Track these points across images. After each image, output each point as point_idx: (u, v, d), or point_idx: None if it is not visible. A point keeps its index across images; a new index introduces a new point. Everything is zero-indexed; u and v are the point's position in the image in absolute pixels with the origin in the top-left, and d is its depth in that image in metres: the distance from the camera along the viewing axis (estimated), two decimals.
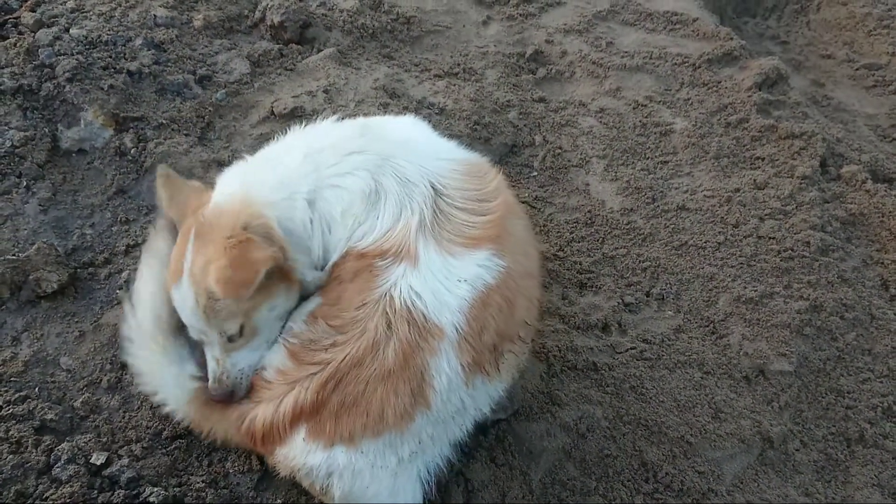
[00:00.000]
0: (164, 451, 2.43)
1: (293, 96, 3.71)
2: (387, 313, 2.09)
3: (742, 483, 2.72)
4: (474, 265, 2.14)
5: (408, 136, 2.43)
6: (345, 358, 2.10)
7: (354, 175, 2.25)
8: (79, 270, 2.90)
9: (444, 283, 2.11)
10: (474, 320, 2.11)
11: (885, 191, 3.64)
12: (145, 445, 2.42)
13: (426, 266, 2.13)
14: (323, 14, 4.28)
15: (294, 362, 2.20)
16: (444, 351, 2.08)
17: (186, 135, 3.44)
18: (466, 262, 2.14)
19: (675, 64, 4.40)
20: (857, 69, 4.89)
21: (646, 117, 4.05)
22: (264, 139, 3.49)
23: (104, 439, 2.43)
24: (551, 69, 4.33)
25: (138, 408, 2.53)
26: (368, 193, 2.22)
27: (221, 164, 3.37)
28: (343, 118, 2.51)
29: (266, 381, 2.24)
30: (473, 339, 2.11)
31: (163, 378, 2.31)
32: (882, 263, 3.41)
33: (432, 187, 2.25)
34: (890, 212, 3.53)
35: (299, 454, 2.15)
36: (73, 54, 3.48)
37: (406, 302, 2.08)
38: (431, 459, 2.27)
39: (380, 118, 2.68)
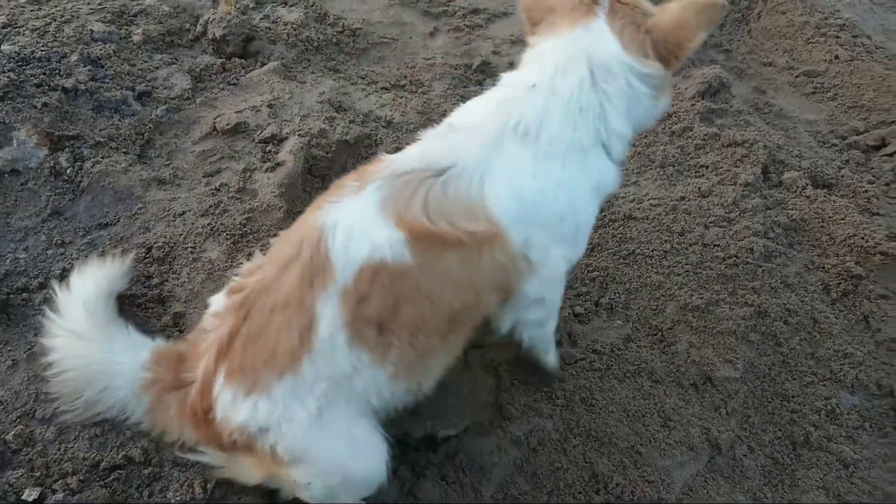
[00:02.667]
0: (102, 483, 2.35)
1: (236, 111, 3.65)
2: (306, 236, 2.04)
3: (692, 490, 2.73)
4: (386, 237, 2.01)
5: None
6: (259, 281, 2.05)
7: None
8: (11, 297, 2.79)
9: (359, 232, 2.02)
10: (359, 284, 1.99)
11: (825, 196, 3.72)
12: (82, 478, 2.34)
13: (362, 206, 2.06)
14: (267, 27, 4.23)
15: (227, 296, 2.15)
16: (331, 296, 1.98)
17: (125, 153, 3.36)
18: (383, 231, 2.03)
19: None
20: (796, 76, 5.00)
21: None
22: (207, 156, 3.44)
23: (38, 473, 2.33)
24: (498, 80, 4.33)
25: (75, 438, 2.45)
26: None
27: (162, 183, 3.31)
28: None
29: (204, 333, 2.16)
30: (354, 302, 1.99)
31: (110, 365, 2.21)
32: (823, 268, 3.47)
33: None
34: (829, 217, 3.61)
35: (227, 408, 2.02)
36: (4, 71, 3.38)
37: (324, 230, 2.02)
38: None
39: None
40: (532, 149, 2.17)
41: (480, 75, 4.38)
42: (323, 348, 1.99)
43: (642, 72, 2.24)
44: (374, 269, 1.99)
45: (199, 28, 4.07)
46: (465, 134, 2.21)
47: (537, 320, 2.61)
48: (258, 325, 2.01)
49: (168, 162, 3.42)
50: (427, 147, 2.24)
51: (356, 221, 2.03)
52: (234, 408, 2.02)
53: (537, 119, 2.18)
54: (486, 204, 2.10)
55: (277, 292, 2.01)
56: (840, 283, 3.38)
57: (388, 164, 2.17)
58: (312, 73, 4.09)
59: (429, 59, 4.40)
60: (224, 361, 2.05)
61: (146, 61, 3.84)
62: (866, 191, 3.82)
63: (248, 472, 2.22)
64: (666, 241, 3.50)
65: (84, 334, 2.24)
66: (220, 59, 3.97)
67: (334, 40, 4.32)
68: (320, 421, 2.04)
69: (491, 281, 2.23)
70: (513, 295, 2.37)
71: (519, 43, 4.61)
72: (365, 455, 2.17)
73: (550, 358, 2.88)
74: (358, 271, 1.99)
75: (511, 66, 4.43)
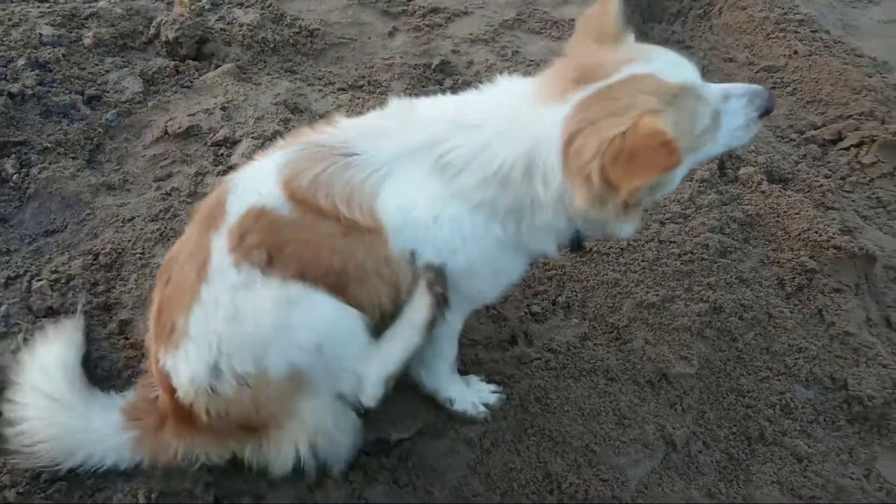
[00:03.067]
0: (42, 495, 2.30)
1: (189, 114, 3.61)
2: (220, 194, 2.23)
3: (646, 488, 2.73)
4: (270, 192, 2.15)
5: None
6: (178, 244, 2.27)
7: None
8: None
9: (252, 187, 2.19)
10: (243, 223, 2.12)
11: (780, 191, 3.74)
12: (21, 491, 2.29)
13: (266, 165, 2.22)
14: (222, 28, 4.18)
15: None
16: (221, 234, 2.13)
17: (74, 158, 3.31)
18: (271, 188, 2.15)
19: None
20: (756, 72, 5.02)
21: None
22: (158, 160, 3.39)
23: None
24: (458, 79, 4.32)
25: (15, 450, 2.39)
26: None
27: (111, 188, 3.26)
28: None
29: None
30: (238, 235, 2.11)
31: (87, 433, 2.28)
32: (778, 263, 3.49)
33: None
34: (784, 212, 3.63)
35: (177, 377, 2.14)
36: None
37: (230, 186, 2.22)
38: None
39: None
40: (443, 182, 2.15)
41: (440, 75, 4.36)
42: (215, 272, 2.10)
43: (570, 202, 2.03)
44: (257, 213, 2.12)
45: (152, 30, 4.02)
46: (397, 130, 2.22)
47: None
48: (174, 283, 2.17)
49: (118, 167, 3.37)
50: (363, 124, 2.31)
51: (254, 179, 2.21)
52: (177, 370, 2.12)
53: (463, 161, 2.12)
54: (374, 203, 2.14)
55: (189, 244, 2.20)
56: (794, 278, 3.39)
57: (321, 130, 2.27)
58: (268, 74, 4.05)
59: (387, 59, 4.37)
60: (157, 335, 2.18)
61: (97, 65, 3.79)
62: (821, 185, 3.85)
63: (239, 446, 2.31)
64: (622, 238, 3.49)
65: (63, 400, 2.30)
66: (174, 62, 3.92)
67: (291, 41, 4.28)
68: (239, 314, 2.08)
69: (373, 264, 2.21)
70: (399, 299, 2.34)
71: (479, 42, 4.61)
72: (315, 303, 2.15)
73: (449, 401, 2.72)
74: (244, 213, 2.12)
75: (470, 65, 4.44)
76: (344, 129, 2.27)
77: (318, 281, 2.15)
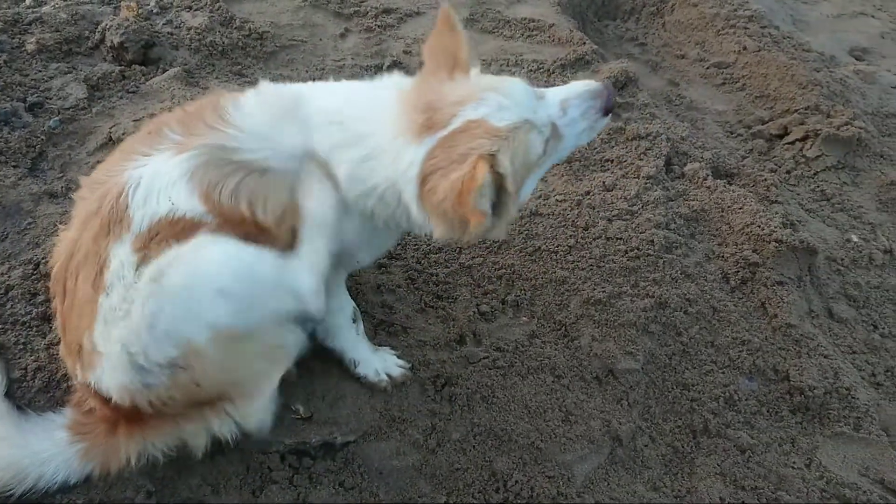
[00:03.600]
0: None
1: (134, 120, 3.57)
2: (108, 192, 2.13)
3: (592, 483, 2.75)
4: (189, 205, 2.10)
5: None
6: (65, 247, 2.19)
7: None
8: None
9: (161, 192, 2.11)
10: (153, 228, 2.07)
11: (725, 186, 3.80)
12: None
13: (171, 169, 2.13)
14: (169, 32, 4.15)
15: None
16: (124, 242, 2.07)
17: (14, 166, 3.26)
18: (187, 201, 2.11)
19: (531, 70, 4.47)
20: (707, 68, 5.10)
21: None
22: None
23: None
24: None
25: None
26: None
27: (54, 196, 3.22)
28: None
29: None
30: (146, 238, 2.06)
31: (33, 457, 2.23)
32: (722, 257, 3.54)
33: None
34: (729, 206, 3.68)
35: (108, 386, 2.11)
36: None
37: (127, 186, 2.10)
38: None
39: None
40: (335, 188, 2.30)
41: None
42: (113, 279, 2.04)
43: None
44: (172, 221, 2.07)
45: (97, 35, 3.97)
46: (289, 132, 2.28)
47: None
48: (71, 296, 2.12)
49: (61, 175, 3.32)
50: (253, 121, 2.27)
51: (160, 182, 2.10)
52: (104, 384, 2.09)
53: (346, 177, 2.28)
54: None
55: (80, 250, 2.11)
56: (738, 272, 3.45)
57: (219, 125, 2.22)
58: (217, 78, 4.02)
59: (339, 61, 4.36)
60: (68, 353, 2.16)
61: (40, 71, 3.73)
62: (766, 179, 3.91)
63: (196, 424, 2.27)
64: (571, 236, 3.53)
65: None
66: (119, 67, 3.87)
67: (240, 44, 4.26)
68: (131, 310, 2.04)
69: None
70: None
71: None
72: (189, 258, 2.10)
73: (353, 362, 2.81)
74: (155, 222, 2.06)
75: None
76: (233, 127, 2.25)
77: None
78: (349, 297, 2.80)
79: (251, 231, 2.16)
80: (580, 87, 2.36)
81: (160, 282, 2.02)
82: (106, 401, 2.17)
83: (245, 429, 2.36)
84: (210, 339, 2.07)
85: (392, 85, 2.38)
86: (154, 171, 2.13)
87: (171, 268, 2.03)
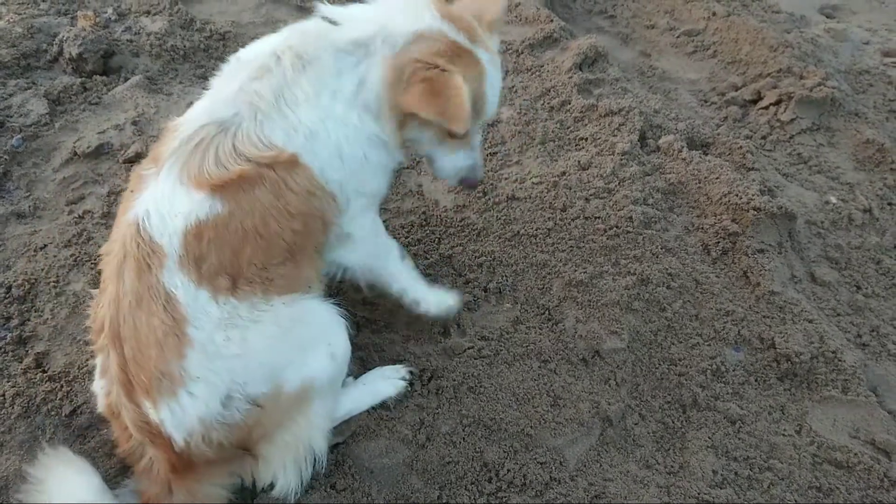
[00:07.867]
0: None
1: (98, 132, 3.51)
2: (125, 235, 2.13)
3: (585, 466, 2.75)
4: (192, 201, 2.11)
5: None
6: (109, 304, 2.11)
7: None
8: None
9: (169, 209, 2.12)
10: (189, 248, 2.09)
11: (700, 157, 3.77)
12: None
13: (164, 187, 2.14)
14: (128, 40, 4.07)
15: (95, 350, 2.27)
16: (171, 269, 2.07)
17: None
18: (188, 197, 2.12)
19: (500, 52, 4.40)
20: (678, 36, 5.05)
21: None
22: (69, 183, 3.30)
23: None
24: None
25: None
26: None
27: (21, 216, 3.17)
28: None
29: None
30: (194, 263, 2.09)
31: None
32: (702, 228, 3.52)
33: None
34: (706, 177, 3.66)
35: (177, 421, 2.08)
36: None
37: (139, 221, 2.11)
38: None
39: None
40: None
41: None
42: (193, 311, 2.06)
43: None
44: (196, 231, 2.08)
45: (55, 48, 3.89)
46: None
47: (362, 262, 2.73)
48: (133, 338, 2.06)
49: (27, 193, 3.27)
50: (214, 96, 2.32)
51: (163, 202, 2.12)
52: (179, 415, 2.07)
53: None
54: (273, 138, 2.22)
55: (127, 297, 2.06)
56: (719, 242, 3.43)
57: (177, 131, 2.24)
58: (180, 83, 3.96)
59: None
60: (136, 392, 2.08)
61: None
62: (741, 147, 3.89)
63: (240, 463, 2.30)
64: (549, 218, 3.50)
65: None
66: (80, 79, 3.80)
67: (202, 46, 4.18)
68: (247, 348, 2.12)
69: (307, 208, 2.30)
70: (330, 226, 2.47)
71: None
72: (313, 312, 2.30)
73: (421, 305, 2.93)
74: (183, 238, 2.07)
75: None
76: (201, 109, 2.29)
77: (278, 266, 2.24)
78: (388, 235, 2.89)
79: (259, 186, 2.19)
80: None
81: (281, 325, 2.19)
82: (166, 443, 2.12)
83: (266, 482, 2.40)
84: (297, 388, 2.24)
85: None
86: (152, 196, 2.14)
87: (300, 322, 2.23)
